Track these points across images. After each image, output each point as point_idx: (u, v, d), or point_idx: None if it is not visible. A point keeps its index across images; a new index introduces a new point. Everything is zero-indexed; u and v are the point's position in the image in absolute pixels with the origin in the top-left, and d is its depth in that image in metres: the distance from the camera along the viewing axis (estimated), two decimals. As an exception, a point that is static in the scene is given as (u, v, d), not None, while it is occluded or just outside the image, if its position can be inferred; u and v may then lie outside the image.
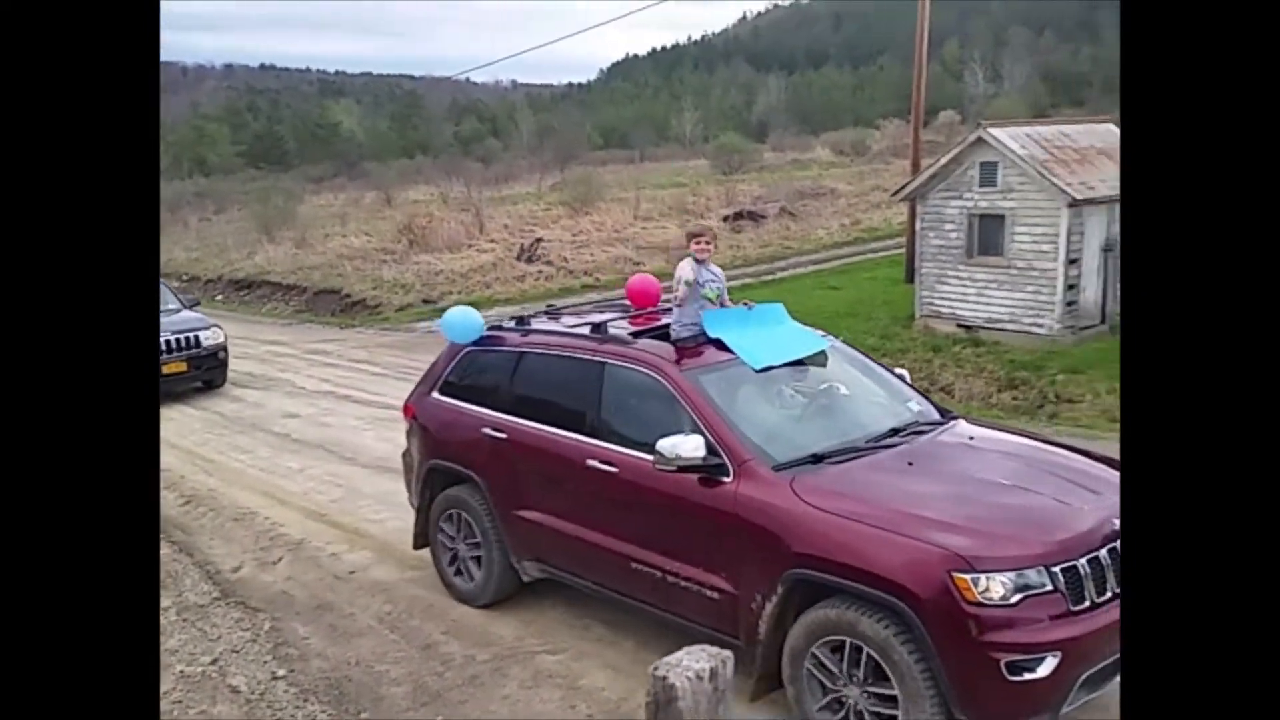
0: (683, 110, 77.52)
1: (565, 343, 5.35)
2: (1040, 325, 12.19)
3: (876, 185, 32.39)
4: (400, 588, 6.06)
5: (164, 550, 6.79)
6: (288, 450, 9.38)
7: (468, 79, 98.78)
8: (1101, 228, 12.19)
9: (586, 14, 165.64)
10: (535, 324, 5.75)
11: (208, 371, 12.00)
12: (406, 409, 6.18)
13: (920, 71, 15.87)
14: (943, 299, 13.31)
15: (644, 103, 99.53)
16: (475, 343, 5.82)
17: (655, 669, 2.22)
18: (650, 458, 4.46)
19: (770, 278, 20.31)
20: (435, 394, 5.96)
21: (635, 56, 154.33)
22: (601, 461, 4.83)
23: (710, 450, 4.32)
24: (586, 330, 5.37)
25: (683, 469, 4.35)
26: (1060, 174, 11.84)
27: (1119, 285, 12.41)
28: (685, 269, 5.03)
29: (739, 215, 28.19)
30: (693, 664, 2.20)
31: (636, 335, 5.19)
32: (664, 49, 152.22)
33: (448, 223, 26.82)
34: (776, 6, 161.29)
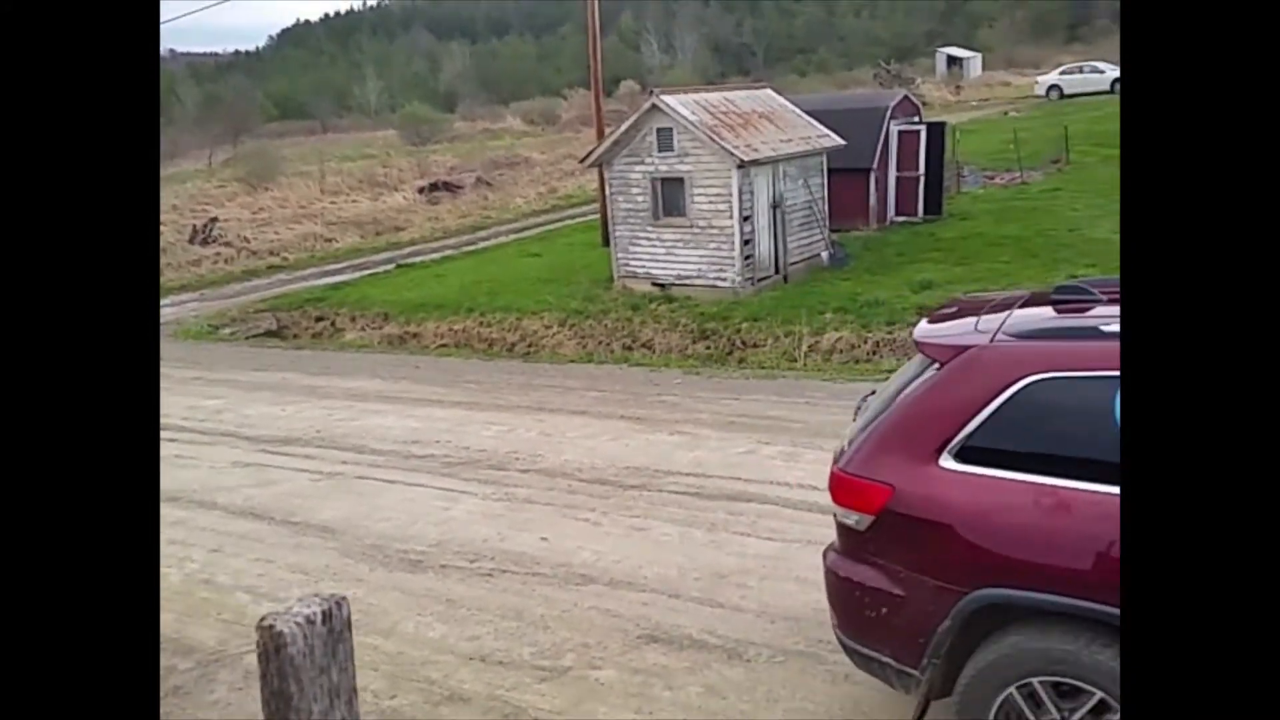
0: (365, 79, 74.30)
1: None
2: (724, 279, 13.16)
3: (568, 154, 33.11)
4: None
5: None
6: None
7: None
8: (768, 186, 13.34)
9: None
10: None
11: None
12: (857, 488, 3.46)
13: (595, 43, 16.39)
14: (636, 260, 13.96)
15: (321, 71, 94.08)
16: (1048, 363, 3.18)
17: (263, 620, 1.98)
18: None
19: (472, 248, 20.10)
20: (948, 462, 3.31)
21: (308, 23, 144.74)
22: None
23: None
24: None
25: None
26: (728, 138, 12.78)
27: (786, 238, 13.71)
28: None
29: (434, 187, 27.75)
30: (304, 609, 1.97)
31: None
32: (338, 15, 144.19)
33: (102, 206, 23.98)
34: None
